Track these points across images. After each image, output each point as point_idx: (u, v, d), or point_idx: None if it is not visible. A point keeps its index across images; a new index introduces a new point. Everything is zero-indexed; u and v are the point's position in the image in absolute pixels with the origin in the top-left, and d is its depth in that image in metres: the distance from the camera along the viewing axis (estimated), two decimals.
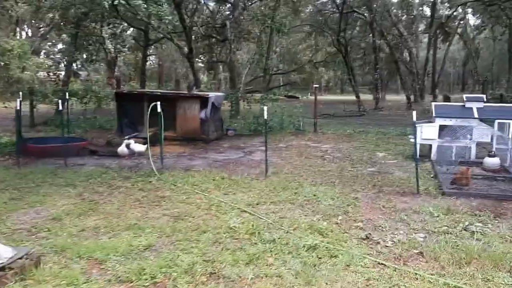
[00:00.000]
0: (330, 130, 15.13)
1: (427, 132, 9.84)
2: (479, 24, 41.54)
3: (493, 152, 9.15)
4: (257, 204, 6.65)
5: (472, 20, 42.41)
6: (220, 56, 25.46)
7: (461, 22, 37.10)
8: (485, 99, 9.73)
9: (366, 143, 12.51)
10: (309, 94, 14.93)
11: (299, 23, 34.72)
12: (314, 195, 7.15)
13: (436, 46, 41.45)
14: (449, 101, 23.10)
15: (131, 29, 25.96)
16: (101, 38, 25.87)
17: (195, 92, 13.65)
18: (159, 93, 13.34)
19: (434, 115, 9.76)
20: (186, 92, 13.44)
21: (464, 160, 9.27)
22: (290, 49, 44.73)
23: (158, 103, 9.09)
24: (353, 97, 33.49)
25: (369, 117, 22.93)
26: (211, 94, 13.40)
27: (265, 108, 9.55)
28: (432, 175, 8.66)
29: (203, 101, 12.89)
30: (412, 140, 10.09)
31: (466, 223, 5.78)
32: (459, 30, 39.13)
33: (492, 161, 9.02)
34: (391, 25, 30.58)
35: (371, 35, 30.58)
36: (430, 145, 10.08)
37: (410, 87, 30.85)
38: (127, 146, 10.71)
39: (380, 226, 5.72)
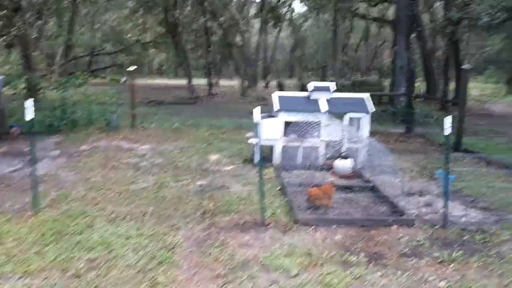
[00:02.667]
0: (153, 124, 12.33)
1: (269, 131, 7.80)
2: (305, 12, 42.75)
3: (344, 154, 7.52)
4: None
5: (299, 7, 43.49)
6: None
7: (290, 7, 37.37)
8: (333, 88, 8.05)
9: (197, 142, 10.09)
10: (124, 79, 12.12)
11: None
12: (107, 246, 4.41)
13: (266, 31, 41.34)
14: (283, 88, 22.21)
15: None
16: None
17: None
18: None
19: (278, 108, 7.74)
20: None
21: (313, 164, 7.50)
22: (115, 27, 40.25)
23: None
24: (186, 82, 31.07)
25: (202, 104, 20.71)
26: None
27: (28, 103, 6.33)
28: (278, 188, 6.62)
29: None
30: (252, 141, 7.99)
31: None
32: (287, 16, 39.50)
33: (343, 165, 7.38)
34: (223, 6, 28.83)
35: (202, 15, 28.39)
36: (273, 146, 8.10)
37: (243, 73, 29.61)
38: None
39: None
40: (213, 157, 8.64)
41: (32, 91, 13.54)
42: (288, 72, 61.24)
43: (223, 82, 41.39)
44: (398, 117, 13.43)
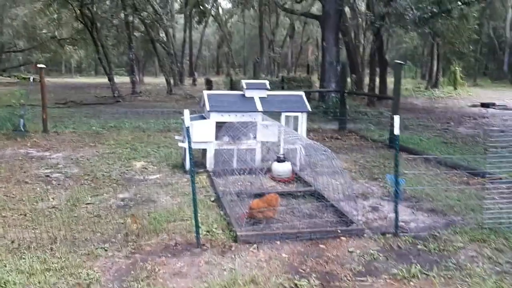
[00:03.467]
0: (69, 128, 11.11)
1: (200, 133, 7.07)
2: (230, 8, 42.24)
3: (282, 156, 6.98)
4: None
5: (224, 3, 42.84)
6: None
7: (215, 3, 36.58)
8: (268, 86, 7.48)
9: (119, 147, 9.11)
10: (31, 77, 10.72)
11: None
12: None
13: (191, 27, 40.29)
14: (211, 85, 21.45)
15: None
16: None
17: None
18: None
19: (208, 109, 7.02)
20: None
21: (249, 168, 6.90)
22: (27, 22, 37.17)
23: None
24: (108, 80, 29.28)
25: (125, 104, 19.39)
26: None
27: None
28: (212, 199, 5.93)
29: None
30: (181, 145, 7.24)
31: None
32: (213, 12, 38.68)
33: (282, 168, 6.84)
34: (145, 0, 27.42)
35: (123, 10, 26.84)
36: (204, 150, 7.40)
37: (169, 70, 28.42)
38: None
39: None
40: (138, 164, 7.76)
41: None
42: (215, 69, 60.49)
43: (148, 80, 39.79)
44: (329, 114, 13.23)
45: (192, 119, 7.43)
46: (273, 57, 34.90)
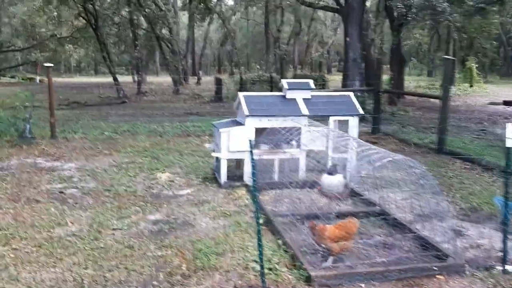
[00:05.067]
0: (78, 133, 10.14)
1: (237, 141, 6.13)
2: (234, 5, 41.23)
3: (334, 167, 6.05)
4: None
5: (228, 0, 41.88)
6: None
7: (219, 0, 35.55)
8: (312, 86, 6.55)
9: (137, 155, 8.16)
10: (38, 78, 9.84)
11: None
12: None
13: (193, 25, 39.32)
14: (221, 84, 20.48)
15: None
16: None
17: None
18: None
19: (247, 113, 6.07)
20: None
21: (292, 180, 5.99)
22: (25, 20, 36.11)
23: None
24: (110, 79, 28.31)
25: (132, 105, 18.44)
26: None
27: None
28: (261, 221, 4.98)
29: None
30: (215, 154, 6.31)
31: None
32: (217, 9, 37.65)
33: (334, 182, 5.90)
34: None
35: (126, 7, 25.84)
36: (240, 160, 6.46)
37: (174, 69, 27.45)
38: None
39: None
40: (163, 176, 6.81)
41: None
42: (216, 67, 59.46)
43: (150, 79, 38.74)
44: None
45: (223, 125, 6.52)
46: (281, 54, 33.90)
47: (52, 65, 9.56)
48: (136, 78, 33.43)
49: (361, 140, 4.92)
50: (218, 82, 20.44)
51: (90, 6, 22.31)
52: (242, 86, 21.99)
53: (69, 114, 14.35)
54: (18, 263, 3.94)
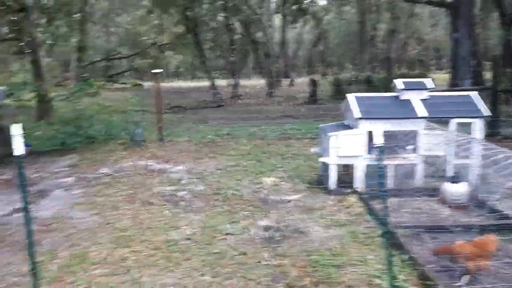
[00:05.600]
0: (183, 136, 10.45)
1: (348, 146, 5.83)
2: (326, 5, 40.66)
3: (457, 174, 5.52)
4: None
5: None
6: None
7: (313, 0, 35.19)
8: (431, 85, 6.07)
9: (241, 158, 8.17)
10: (147, 84, 10.44)
11: None
12: None
13: (286, 27, 39.37)
14: (316, 86, 20.16)
15: None
16: None
17: None
18: None
19: (359, 115, 5.76)
20: None
21: (409, 188, 5.57)
22: (130, 29, 38.65)
23: None
24: (206, 84, 29.23)
25: (229, 108, 18.79)
26: None
27: None
28: (381, 232, 4.65)
29: None
30: (323, 159, 6.07)
31: None
32: (311, 10, 37.36)
33: (458, 190, 5.37)
34: (244, 1, 26.93)
35: (221, 13, 26.55)
36: (349, 166, 6.14)
37: (267, 71, 27.62)
38: None
39: None
40: (268, 180, 6.71)
41: (42, 102, 11.84)
42: (306, 69, 59.05)
43: (243, 82, 39.49)
44: None
45: (331, 128, 6.25)
46: (376, 53, 32.74)
47: (161, 70, 9.94)
48: (230, 82, 34.29)
49: (492, 144, 4.37)
50: (313, 83, 20.15)
51: (190, 13, 23.16)
52: (338, 87, 21.50)
53: (172, 118, 14.92)
54: (140, 266, 4.01)
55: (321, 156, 6.33)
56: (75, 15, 14.69)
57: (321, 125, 6.76)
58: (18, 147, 3.37)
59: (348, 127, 6.16)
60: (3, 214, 5.59)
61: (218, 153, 8.63)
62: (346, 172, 6.35)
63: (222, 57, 37.01)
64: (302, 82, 31.59)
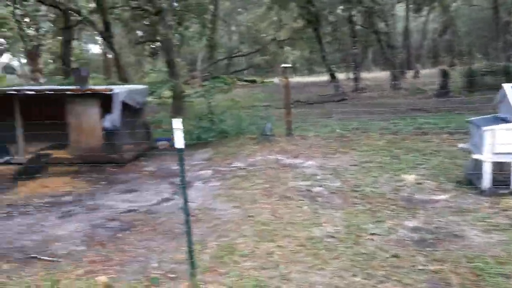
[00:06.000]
0: (310, 130, 10.35)
1: (505, 141, 5.20)
2: None
3: None
4: None
5: None
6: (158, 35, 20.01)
7: None
8: None
9: (375, 154, 7.81)
10: (277, 79, 10.58)
11: None
12: None
13: (409, 16, 37.31)
14: (447, 77, 18.72)
15: (45, 8, 20.43)
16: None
17: (93, 87, 8.55)
18: (35, 92, 8.27)
19: None
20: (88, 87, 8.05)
21: None
22: (250, 27, 39.74)
23: None
24: (323, 78, 28.84)
25: (352, 102, 18.29)
26: (120, 89, 8.38)
27: None
28: None
29: (107, 101, 7.90)
30: (477, 157, 5.50)
31: None
32: None
33: None
34: None
35: (342, 5, 25.94)
36: (504, 163, 5.47)
37: (390, 63, 26.37)
38: None
39: None
40: (409, 178, 6.28)
41: (177, 99, 12.60)
42: (433, 59, 55.45)
43: (363, 75, 38.29)
44: None
45: (485, 122, 5.63)
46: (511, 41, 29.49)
47: (290, 65, 9.95)
48: (350, 75, 33.47)
49: None
50: (444, 74, 18.73)
51: (311, 7, 23.00)
52: (471, 78, 19.77)
53: (295, 112, 14.86)
54: (286, 262, 3.96)
55: (471, 152, 5.75)
56: (206, 15, 15.38)
57: (471, 118, 6.14)
58: (179, 141, 3.49)
59: (505, 120, 5.49)
60: (152, 203, 5.97)
61: (350, 148, 8.35)
62: (500, 170, 5.69)
63: (340, 51, 36.35)
64: (428, 73, 29.72)
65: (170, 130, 11.18)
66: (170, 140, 9.69)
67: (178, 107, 12.59)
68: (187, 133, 10.05)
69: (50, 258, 4.22)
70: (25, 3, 19.38)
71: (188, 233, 3.56)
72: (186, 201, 3.56)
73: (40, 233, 4.99)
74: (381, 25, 28.38)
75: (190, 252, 3.56)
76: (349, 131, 9.96)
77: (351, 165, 7.12)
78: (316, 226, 4.75)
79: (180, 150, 3.57)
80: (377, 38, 24.38)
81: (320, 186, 6.18)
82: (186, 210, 3.56)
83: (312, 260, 3.97)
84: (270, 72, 50.16)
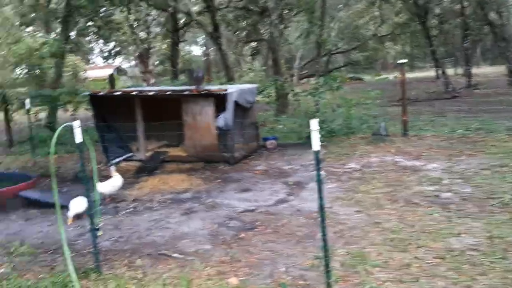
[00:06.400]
0: (426, 130, 9.69)
1: None
2: None
3: None
4: None
5: None
6: (262, 34, 20.21)
7: None
8: None
9: (506, 156, 7.04)
10: (391, 76, 10.02)
11: None
12: None
13: None
14: None
15: (155, 12, 21.56)
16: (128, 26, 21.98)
17: (209, 88, 8.75)
18: (154, 92, 8.65)
19: None
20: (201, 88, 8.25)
21: None
22: (349, 23, 38.69)
23: None
24: (427, 74, 27.18)
25: (465, 100, 16.94)
26: (232, 89, 8.47)
27: None
28: None
29: (220, 101, 8.02)
30: None
31: None
32: None
33: None
34: None
35: None
36: None
37: (506, 57, 24.07)
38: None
39: None
40: None
41: (282, 97, 12.56)
42: None
43: (472, 70, 35.51)
44: None
45: None
46: None
47: (406, 60, 9.41)
48: (459, 71, 31.25)
49: None
50: None
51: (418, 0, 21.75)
52: None
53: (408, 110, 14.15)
54: (427, 276, 3.63)
55: None
56: (314, 13, 15.20)
57: None
58: (315, 142, 3.32)
59: None
60: (269, 204, 5.90)
61: (476, 150, 7.64)
62: None
63: (446, 45, 34.04)
64: None
65: (276, 129, 11.12)
66: (277, 138, 9.66)
67: (281, 105, 12.54)
68: (291, 132, 10.00)
69: (181, 256, 4.30)
70: (137, 8, 20.61)
71: (324, 240, 3.38)
72: (322, 207, 3.37)
73: (167, 230, 5.14)
74: (495, 17, 26.07)
75: (326, 260, 3.38)
76: (472, 131, 9.14)
77: (481, 169, 6.48)
78: (454, 237, 4.33)
79: (316, 152, 3.37)
80: (491, 30, 22.37)
81: (449, 191, 5.69)
82: (322, 215, 3.38)
83: (455, 276, 3.60)
84: (369, 69, 48.53)
